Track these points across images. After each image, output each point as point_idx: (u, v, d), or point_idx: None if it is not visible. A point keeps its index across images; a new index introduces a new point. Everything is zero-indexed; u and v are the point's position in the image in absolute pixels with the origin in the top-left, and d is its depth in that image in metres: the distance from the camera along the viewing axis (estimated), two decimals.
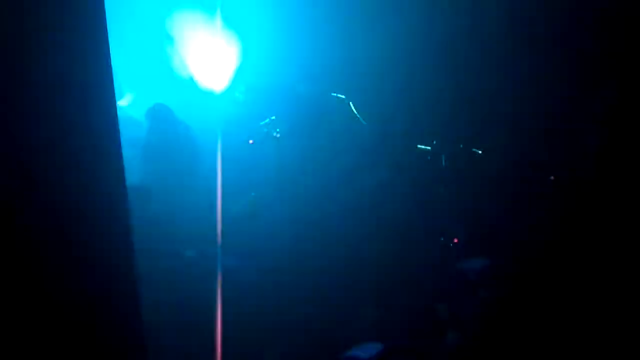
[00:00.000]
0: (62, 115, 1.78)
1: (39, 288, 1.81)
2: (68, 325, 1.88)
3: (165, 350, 5.72)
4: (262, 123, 7.23)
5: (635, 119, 6.44)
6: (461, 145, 7.47)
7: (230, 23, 7.50)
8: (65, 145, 1.79)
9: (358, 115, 7.96)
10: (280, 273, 6.39)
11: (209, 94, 7.59)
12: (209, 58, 7.42)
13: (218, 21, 7.23)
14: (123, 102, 7.78)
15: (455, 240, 6.88)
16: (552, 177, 7.95)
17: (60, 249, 1.83)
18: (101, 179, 1.89)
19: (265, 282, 6.18)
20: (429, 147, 7.26)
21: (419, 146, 7.33)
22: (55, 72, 1.75)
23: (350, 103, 7.84)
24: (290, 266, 6.20)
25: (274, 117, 6.92)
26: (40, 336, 1.83)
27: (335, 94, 7.68)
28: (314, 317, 6.31)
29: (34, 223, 1.77)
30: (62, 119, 1.78)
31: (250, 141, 7.76)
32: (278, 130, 6.68)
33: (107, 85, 1.76)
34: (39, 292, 1.81)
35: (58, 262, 1.83)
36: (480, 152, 7.60)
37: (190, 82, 7.59)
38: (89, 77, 1.76)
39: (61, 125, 1.78)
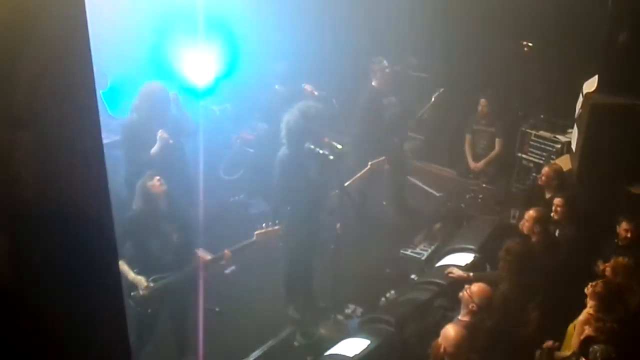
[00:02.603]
0: (41, 111, 1.69)
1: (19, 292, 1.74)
2: (52, 327, 1.81)
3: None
4: None
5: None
6: None
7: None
8: (44, 144, 1.71)
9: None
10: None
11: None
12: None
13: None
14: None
15: None
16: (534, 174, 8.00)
17: (40, 253, 1.75)
18: (82, 181, 1.80)
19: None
20: None
21: None
22: (31, 64, 1.67)
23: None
24: None
25: None
26: (21, 341, 1.76)
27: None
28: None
29: (14, 226, 1.69)
30: (41, 115, 1.70)
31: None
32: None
33: (86, 75, 1.67)
34: (18, 294, 1.74)
35: (39, 266, 1.76)
36: None
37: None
38: (67, 66, 1.67)
39: (40, 121, 1.70)
